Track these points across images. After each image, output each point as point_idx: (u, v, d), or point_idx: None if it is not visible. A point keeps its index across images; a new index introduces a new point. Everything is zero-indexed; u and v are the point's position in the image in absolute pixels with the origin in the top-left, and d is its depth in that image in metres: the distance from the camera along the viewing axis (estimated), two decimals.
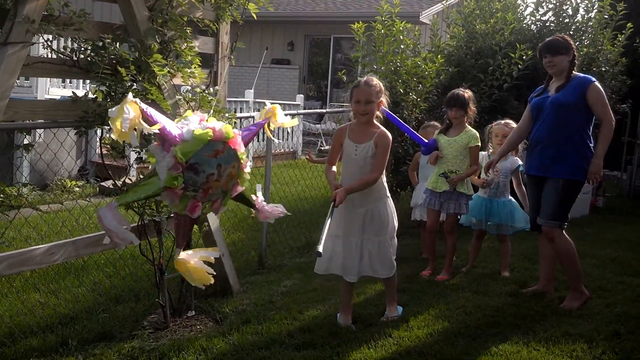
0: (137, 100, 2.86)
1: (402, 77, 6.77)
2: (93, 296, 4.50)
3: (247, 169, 3.39)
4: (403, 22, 7.26)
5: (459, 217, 5.24)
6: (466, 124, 5.10)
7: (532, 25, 8.28)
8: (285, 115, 4.05)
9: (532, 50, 7.16)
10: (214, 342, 3.73)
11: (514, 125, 5.14)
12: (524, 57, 7.00)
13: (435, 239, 5.30)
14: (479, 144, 5.08)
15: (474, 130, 5.10)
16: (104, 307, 4.29)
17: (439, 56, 6.99)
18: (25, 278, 4.72)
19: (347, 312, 4.09)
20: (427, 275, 5.15)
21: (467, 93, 5.13)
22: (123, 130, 2.75)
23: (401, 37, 7.22)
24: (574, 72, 4.51)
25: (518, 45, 7.03)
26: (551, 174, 4.47)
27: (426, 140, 5.25)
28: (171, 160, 2.96)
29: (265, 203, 3.69)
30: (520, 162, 5.23)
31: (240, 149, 3.25)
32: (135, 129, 2.84)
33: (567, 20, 8.21)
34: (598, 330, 3.98)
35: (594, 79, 4.46)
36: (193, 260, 3.10)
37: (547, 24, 8.15)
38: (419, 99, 6.67)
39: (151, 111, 2.94)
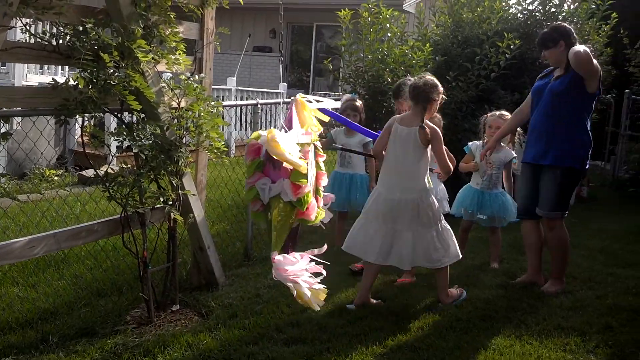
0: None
1: (389, 66, 6.68)
2: (74, 290, 4.36)
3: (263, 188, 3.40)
4: (390, 10, 7.17)
5: None
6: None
7: (519, 14, 8.22)
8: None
9: (520, 39, 7.12)
10: (200, 338, 3.62)
11: (508, 116, 5.08)
12: (512, 46, 6.94)
13: None
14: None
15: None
16: (86, 301, 4.15)
17: (427, 45, 6.89)
18: (4, 272, 4.56)
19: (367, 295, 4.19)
20: (408, 281, 4.80)
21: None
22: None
23: (388, 25, 7.13)
24: None
25: (506, 35, 6.96)
26: (547, 162, 4.44)
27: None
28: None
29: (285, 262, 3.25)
30: (514, 155, 5.17)
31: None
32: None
33: (553, 9, 8.16)
34: (590, 323, 3.94)
35: None
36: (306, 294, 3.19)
37: (534, 13, 8.09)
38: None
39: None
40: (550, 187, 4.43)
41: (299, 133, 3.45)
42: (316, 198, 3.52)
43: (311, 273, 3.24)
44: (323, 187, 3.66)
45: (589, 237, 6.27)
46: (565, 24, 4.73)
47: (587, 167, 4.53)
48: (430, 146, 4.13)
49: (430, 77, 4.16)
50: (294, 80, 19.01)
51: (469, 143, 5.47)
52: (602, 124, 9.34)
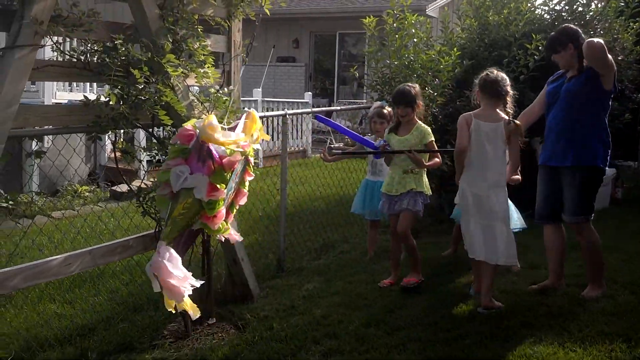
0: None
1: (416, 72, 6.63)
2: (111, 305, 4.38)
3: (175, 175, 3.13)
4: (415, 15, 7.12)
5: (416, 217, 4.87)
6: (416, 120, 4.80)
7: (546, 15, 8.11)
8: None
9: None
10: (238, 350, 3.61)
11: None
12: (540, 48, 6.83)
13: (401, 245, 4.93)
14: (433, 137, 4.81)
15: (425, 126, 4.83)
16: (123, 317, 4.18)
17: (455, 49, 6.83)
18: (41, 289, 4.60)
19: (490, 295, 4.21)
20: (388, 284, 4.74)
21: (415, 88, 4.86)
22: None
23: (413, 30, 7.08)
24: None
25: (534, 36, 6.86)
26: (566, 164, 4.34)
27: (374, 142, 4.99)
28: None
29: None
30: None
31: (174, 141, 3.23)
32: None
33: (580, 9, 8.03)
34: (634, 328, 3.83)
35: None
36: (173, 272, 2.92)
37: (561, 14, 7.97)
38: (435, 94, 6.52)
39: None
40: (573, 191, 4.33)
41: (238, 136, 3.30)
42: (227, 212, 3.34)
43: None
44: (240, 205, 3.54)
45: (627, 240, 6.11)
46: (572, 26, 4.65)
47: (607, 166, 4.40)
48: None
49: (500, 72, 4.29)
50: (318, 89, 19.04)
51: None
52: (635, 123, 9.14)
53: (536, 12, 8.06)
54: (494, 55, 7.26)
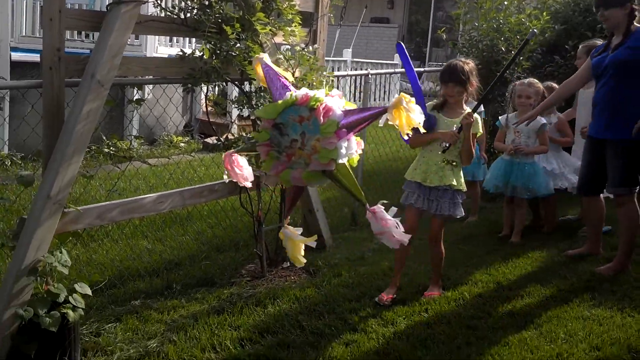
0: (264, 57, 3.02)
1: (504, 35, 6.59)
2: (196, 244, 4.77)
3: (342, 147, 2.81)
4: None
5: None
6: (464, 104, 4.00)
7: None
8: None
9: None
10: (307, 292, 3.90)
11: (538, 85, 5.00)
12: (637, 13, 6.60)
13: (409, 249, 3.88)
14: (482, 131, 4.09)
15: (475, 115, 3.88)
16: (206, 255, 4.55)
17: (544, 13, 6.71)
18: (135, 225, 5.06)
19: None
20: (389, 300, 3.84)
21: (469, 64, 3.96)
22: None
23: None
24: (635, 24, 4.20)
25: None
26: (609, 136, 4.28)
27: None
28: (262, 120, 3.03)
29: (385, 214, 2.87)
30: (544, 121, 5.03)
31: (322, 120, 2.80)
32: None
33: None
34: None
35: None
36: (296, 238, 3.03)
37: None
38: (521, 58, 6.47)
39: (272, 72, 3.03)
40: (615, 163, 4.26)
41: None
42: None
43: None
44: None
45: None
46: None
47: None
48: None
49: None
50: (412, 51, 18.89)
51: (500, 117, 5.37)
52: None
53: None
54: (588, 21, 7.07)
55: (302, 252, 3.04)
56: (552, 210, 5.38)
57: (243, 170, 3.14)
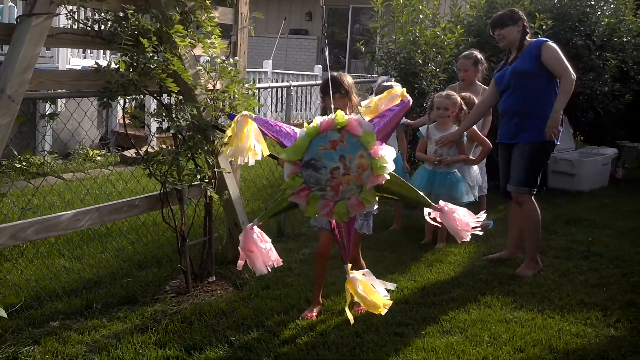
0: (250, 115, 2.81)
1: (420, 48, 6.77)
2: (117, 262, 4.62)
3: (385, 154, 2.70)
4: None
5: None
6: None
7: None
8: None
9: (552, 20, 7.11)
10: (234, 306, 3.84)
11: (456, 97, 5.22)
12: (544, 27, 6.94)
13: (326, 267, 3.95)
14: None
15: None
16: (127, 272, 4.41)
17: (459, 26, 6.95)
18: (51, 244, 4.84)
19: None
20: (314, 317, 3.77)
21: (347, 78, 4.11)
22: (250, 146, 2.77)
23: (420, 6, 7.20)
24: (527, 39, 4.58)
25: (537, 15, 6.96)
26: (519, 140, 4.54)
27: None
28: (286, 166, 2.77)
29: (454, 208, 2.81)
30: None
31: (359, 133, 2.68)
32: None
33: None
34: (613, 299, 4.03)
35: (546, 39, 4.55)
36: (368, 281, 2.82)
37: None
38: (437, 70, 6.66)
39: (269, 123, 2.85)
40: (519, 163, 4.54)
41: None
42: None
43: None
44: None
45: (621, 218, 6.29)
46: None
47: (557, 142, 4.52)
48: None
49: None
50: (330, 62, 19.07)
51: (420, 128, 5.55)
52: (639, 105, 9.21)
53: None
54: None
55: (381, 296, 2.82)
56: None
57: (267, 244, 2.79)
